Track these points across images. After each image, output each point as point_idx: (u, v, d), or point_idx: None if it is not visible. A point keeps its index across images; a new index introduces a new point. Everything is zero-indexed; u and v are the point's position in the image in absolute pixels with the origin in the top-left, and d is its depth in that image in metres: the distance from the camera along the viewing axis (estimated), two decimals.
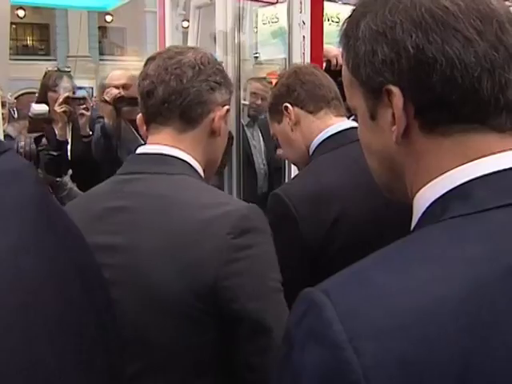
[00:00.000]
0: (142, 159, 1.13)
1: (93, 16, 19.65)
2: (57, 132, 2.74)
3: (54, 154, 2.38)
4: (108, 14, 16.82)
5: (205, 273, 0.95)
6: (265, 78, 3.67)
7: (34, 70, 3.87)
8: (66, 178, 2.50)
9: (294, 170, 2.01)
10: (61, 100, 2.65)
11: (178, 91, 1.10)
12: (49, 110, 2.55)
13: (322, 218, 1.25)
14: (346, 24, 0.67)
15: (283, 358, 0.51)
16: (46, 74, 2.95)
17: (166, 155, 1.10)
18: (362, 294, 0.50)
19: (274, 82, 1.70)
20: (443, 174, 0.59)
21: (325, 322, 0.47)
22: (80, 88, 3.37)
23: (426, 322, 0.47)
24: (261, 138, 3.52)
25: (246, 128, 3.18)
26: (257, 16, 2.83)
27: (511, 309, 0.48)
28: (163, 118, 1.12)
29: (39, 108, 2.54)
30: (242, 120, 2.59)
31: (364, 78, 0.64)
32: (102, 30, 21.87)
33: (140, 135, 2.83)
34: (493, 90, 0.58)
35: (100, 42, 21.93)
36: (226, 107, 1.16)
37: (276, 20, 2.60)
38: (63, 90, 2.79)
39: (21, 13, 16.12)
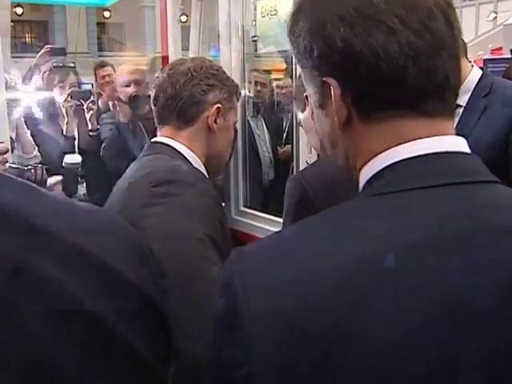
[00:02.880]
0: (148, 146, 1.41)
1: (91, 12, 19.60)
2: (63, 128, 2.74)
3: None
4: (106, 9, 16.78)
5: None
6: (268, 71, 3.63)
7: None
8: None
9: (302, 160, 2.01)
10: (67, 95, 2.65)
11: (172, 96, 1.34)
12: (82, 160, 2.57)
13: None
14: (288, 21, 0.70)
15: None
16: (50, 69, 2.94)
17: (159, 142, 1.36)
18: (266, 254, 0.58)
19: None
20: (375, 157, 0.63)
21: (230, 276, 0.56)
22: (84, 84, 3.36)
23: (309, 282, 0.53)
24: (265, 127, 3.59)
25: (249, 118, 3.20)
26: (255, 9, 2.79)
27: (391, 286, 0.52)
28: (164, 119, 1.37)
29: (72, 159, 2.55)
30: (247, 111, 2.59)
31: (307, 71, 0.68)
32: (101, 26, 21.82)
33: (148, 133, 2.85)
34: (419, 76, 0.60)
35: (99, 38, 21.90)
36: (216, 106, 1.35)
37: (275, 12, 2.56)
38: (69, 86, 2.79)
39: (19, 10, 16.08)
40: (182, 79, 1.34)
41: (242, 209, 2.46)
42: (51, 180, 2.25)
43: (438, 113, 0.63)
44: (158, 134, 1.40)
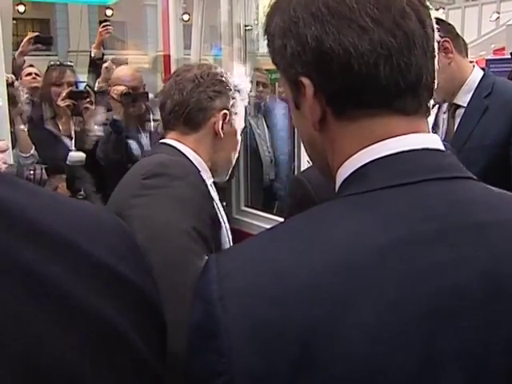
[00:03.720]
0: (153, 146, 1.53)
1: (93, 10, 19.58)
2: (60, 127, 2.74)
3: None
4: (108, 8, 16.74)
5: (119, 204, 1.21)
6: (270, 71, 3.63)
7: (35, 65, 3.83)
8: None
9: (303, 160, 2.01)
10: (64, 94, 2.65)
11: (180, 103, 1.37)
12: (86, 157, 2.57)
13: None
14: (264, 21, 0.70)
15: None
16: (48, 68, 2.94)
17: (164, 143, 1.39)
18: (242, 258, 0.58)
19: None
20: (350, 157, 0.63)
21: (206, 282, 0.55)
22: (81, 82, 3.37)
23: (283, 287, 0.53)
24: (265, 127, 3.59)
25: (249, 118, 3.21)
26: (257, 8, 2.79)
27: (364, 287, 0.52)
28: (171, 125, 1.40)
29: (77, 155, 2.55)
30: (248, 111, 2.59)
31: (282, 70, 0.68)
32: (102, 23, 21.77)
33: (143, 131, 2.87)
34: (391, 74, 0.60)
35: None
36: (223, 112, 1.38)
37: None
38: (67, 85, 2.79)
39: (21, 8, 16.05)
40: (189, 86, 1.37)
41: (243, 208, 2.46)
42: (54, 180, 2.24)
43: (413, 111, 0.63)
44: (166, 136, 1.43)
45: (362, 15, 0.60)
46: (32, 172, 1.78)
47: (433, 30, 0.65)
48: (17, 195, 0.46)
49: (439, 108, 1.99)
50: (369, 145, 0.62)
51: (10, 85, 2.37)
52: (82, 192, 2.42)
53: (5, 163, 1.58)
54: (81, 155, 2.56)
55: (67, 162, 2.56)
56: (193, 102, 1.36)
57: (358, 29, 0.60)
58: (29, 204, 0.46)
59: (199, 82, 1.38)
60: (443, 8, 17.58)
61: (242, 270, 0.55)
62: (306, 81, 0.63)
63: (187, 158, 1.35)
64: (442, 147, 0.64)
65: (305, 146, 0.74)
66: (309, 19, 0.62)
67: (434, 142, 0.64)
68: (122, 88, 2.71)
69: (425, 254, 0.54)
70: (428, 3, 0.66)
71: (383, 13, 0.60)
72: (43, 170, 1.80)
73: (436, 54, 0.66)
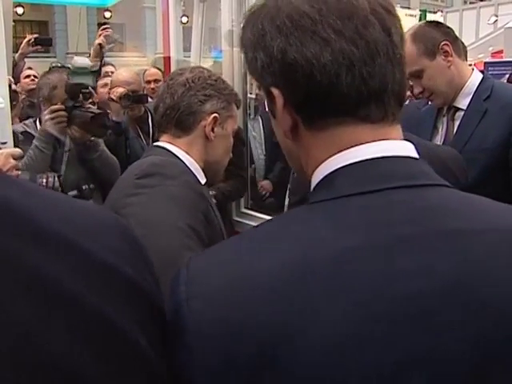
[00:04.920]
0: (147, 149, 1.54)
1: (92, 12, 19.60)
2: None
3: (96, 112, 2.34)
4: (107, 10, 16.76)
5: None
6: None
7: (34, 68, 3.84)
8: (100, 140, 2.47)
9: None
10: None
11: (171, 106, 1.40)
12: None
13: None
14: (240, 34, 0.73)
15: None
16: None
17: (158, 146, 1.42)
18: (210, 261, 0.61)
19: None
20: (321, 164, 0.65)
21: (176, 283, 0.59)
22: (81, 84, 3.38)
23: (244, 290, 0.55)
24: (261, 129, 3.66)
25: (248, 120, 3.23)
26: None
27: (321, 292, 0.54)
28: (164, 128, 1.43)
29: (82, 61, 2.52)
30: (248, 113, 2.59)
31: (256, 80, 0.70)
32: (101, 26, 21.76)
33: (141, 133, 2.87)
34: (353, 83, 0.62)
35: None
36: (213, 115, 1.40)
37: None
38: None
39: (20, 10, 16.04)
40: (180, 90, 1.40)
41: (244, 210, 2.46)
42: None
43: (379, 118, 0.64)
44: (159, 140, 1.46)
45: (325, 26, 0.62)
46: (45, 180, 1.76)
47: (401, 38, 0.66)
48: (18, 195, 0.46)
49: (438, 111, 1.99)
50: (337, 152, 0.64)
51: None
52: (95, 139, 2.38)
53: (18, 169, 1.58)
54: (86, 61, 2.54)
55: (70, 67, 2.53)
56: (183, 105, 1.39)
57: (320, 40, 0.62)
58: (31, 204, 0.46)
59: (190, 86, 1.41)
60: (441, 11, 17.61)
61: (209, 273, 0.59)
62: (275, 91, 0.66)
63: (180, 159, 1.38)
64: (413, 154, 0.65)
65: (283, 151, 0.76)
66: (274, 32, 0.64)
67: (405, 149, 0.65)
68: (121, 90, 2.72)
69: (383, 261, 0.56)
70: (400, 11, 0.66)
71: (345, 23, 0.62)
72: (55, 178, 1.77)
73: (404, 61, 0.66)
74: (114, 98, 2.70)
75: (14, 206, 0.45)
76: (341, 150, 0.64)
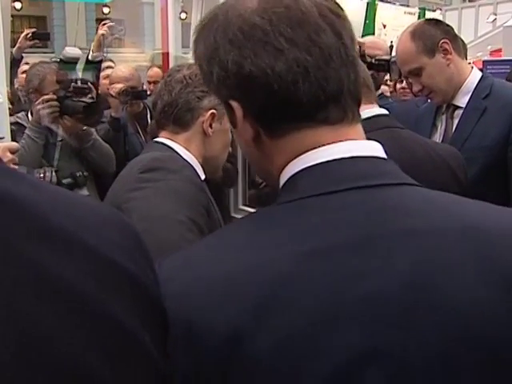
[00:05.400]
0: (147, 145, 1.55)
1: (90, 8, 19.55)
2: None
3: (89, 101, 2.34)
4: (105, 5, 16.70)
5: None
6: None
7: (32, 63, 3.83)
8: (92, 130, 2.46)
9: None
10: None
11: (169, 103, 1.40)
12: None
13: None
14: (192, 48, 0.73)
15: None
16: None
17: (157, 142, 1.43)
18: (177, 264, 0.63)
19: None
20: (285, 168, 0.66)
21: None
22: (80, 79, 3.37)
23: (206, 290, 0.57)
24: None
25: None
26: None
27: (279, 293, 0.55)
28: (162, 125, 1.44)
29: (72, 51, 2.52)
30: None
31: (213, 93, 0.72)
32: (100, 22, 21.70)
33: (140, 129, 2.87)
34: (310, 89, 0.63)
35: None
36: (211, 111, 1.40)
37: None
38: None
39: (18, 5, 15.98)
40: (178, 87, 1.41)
41: (242, 207, 2.46)
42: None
43: (338, 120, 0.65)
44: (158, 136, 1.47)
45: (276, 36, 0.62)
46: (42, 175, 1.73)
47: (352, 40, 0.67)
48: (25, 190, 0.46)
49: (437, 109, 1.99)
50: (298, 155, 0.65)
51: None
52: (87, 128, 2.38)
53: (15, 164, 1.57)
54: (77, 50, 2.54)
55: (61, 57, 2.53)
56: (181, 102, 1.40)
57: (273, 50, 0.62)
58: (37, 199, 0.46)
59: (187, 83, 1.41)
60: (440, 9, 17.59)
61: (173, 277, 0.60)
62: (234, 103, 0.66)
63: (179, 155, 1.39)
64: (377, 153, 0.66)
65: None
66: (227, 45, 0.64)
67: (368, 148, 0.66)
68: (120, 86, 2.72)
69: (340, 262, 0.57)
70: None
71: (297, 31, 0.63)
72: (53, 173, 1.75)
73: (357, 61, 0.68)
74: (113, 93, 2.70)
75: (25, 201, 0.44)
76: (302, 153, 0.65)
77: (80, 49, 3.34)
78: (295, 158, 0.65)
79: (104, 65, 3.60)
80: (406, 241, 0.59)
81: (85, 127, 2.40)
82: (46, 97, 2.29)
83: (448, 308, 0.56)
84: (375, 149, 0.67)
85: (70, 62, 2.69)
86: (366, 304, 0.55)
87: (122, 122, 2.71)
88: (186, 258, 0.64)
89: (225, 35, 0.65)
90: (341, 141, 0.65)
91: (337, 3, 0.68)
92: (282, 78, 0.62)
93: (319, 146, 0.64)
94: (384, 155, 0.67)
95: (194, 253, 0.65)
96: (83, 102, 2.30)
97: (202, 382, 0.55)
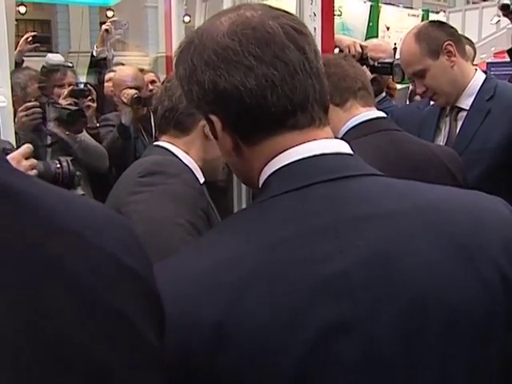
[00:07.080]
0: (148, 149, 1.59)
1: (94, 12, 19.60)
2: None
3: (72, 109, 2.36)
4: (109, 9, 16.76)
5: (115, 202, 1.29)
6: None
7: (36, 66, 3.84)
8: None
9: None
10: (66, 93, 2.65)
11: (169, 108, 1.42)
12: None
13: None
14: (174, 68, 0.81)
15: None
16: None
17: (158, 146, 1.45)
18: (164, 264, 0.69)
19: None
20: (260, 172, 0.75)
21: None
22: (82, 83, 3.39)
23: (186, 284, 0.65)
24: None
25: None
26: None
27: (252, 278, 0.63)
28: (163, 129, 1.45)
29: (55, 58, 2.53)
30: None
31: (195, 109, 0.80)
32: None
33: (144, 132, 2.87)
34: (278, 101, 0.71)
35: None
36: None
37: None
38: (68, 86, 2.80)
39: (22, 9, 16.06)
40: (178, 92, 1.40)
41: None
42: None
43: (306, 124, 0.73)
44: (159, 140, 1.48)
45: (246, 55, 0.70)
46: (59, 165, 1.68)
47: (315, 54, 0.75)
48: (31, 187, 0.47)
49: (441, 111, 1.99)
50: (272, 159, 0.73)
51: None
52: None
53: (33, 169, 1.51)
54: (59, 57, 2.55)
55: (44, 65, 2.54)
56: (182, 107, 1.40)
57: (243, 68, 0.70)
58: (42, 196, 0.47)
59: None
60: (444, 11, 17.58)
61: (157, 276, 0.63)
62: (213, 118, 0.75)
63: (179, 159, 1.40)
64: (342, 150, 0.74)
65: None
66: (204, 67, 0.72)
67: (334, 146, 0.74)
68: (132, 92, 2.70)
69: (308, 248, 0.65)
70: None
71: (264, 50, 0.71)
72: (69, 162, 1.70)
73: (321, 72, 0.75)
74: (125, 100, 2.69)
75: (31, 197, 0.45)
76: (275, 157, 0.73)
77: (84, 53, 3.35)
78: (269, 161, 0.73)
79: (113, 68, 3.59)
80: (364, 224, 0.67)
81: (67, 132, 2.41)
82: (28, 104, 2.30)
83: (406, 275, 0.64)
84: (341, 146, 0.75)
85: (53, 70, 2.69)
86: (333, 282, 0.63)
87: (131, 130, 2.71)
88: (176, 258, 0.73)
89: (201, 58, 0.73)
90: (309, 141, 0.73)
91: (300, 21, 0.77)
92: (252, 92, 0.70)
93: (288, 149, 0.72)
94: (350, 151, 0.74)
95: (184, 254, 0.74)
96: (67, 109, 2.31)
97: (192, 369, 0.61)
